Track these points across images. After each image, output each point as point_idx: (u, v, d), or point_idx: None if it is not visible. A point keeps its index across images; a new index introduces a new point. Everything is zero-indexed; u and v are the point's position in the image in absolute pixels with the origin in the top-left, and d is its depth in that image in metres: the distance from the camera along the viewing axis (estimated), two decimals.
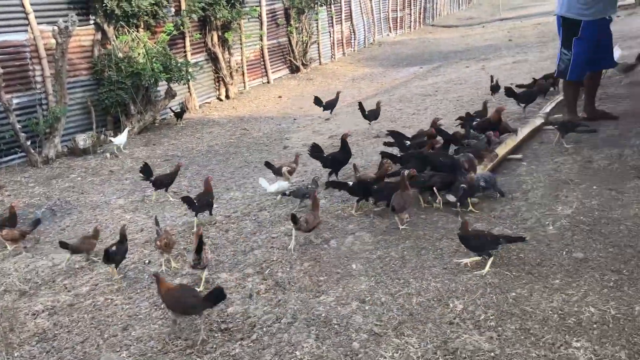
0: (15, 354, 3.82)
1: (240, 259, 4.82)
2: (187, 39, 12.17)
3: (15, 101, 8.63)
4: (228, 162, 8.26)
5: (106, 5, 9.72)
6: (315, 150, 6.53)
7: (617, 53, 7.08)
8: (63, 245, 4.96)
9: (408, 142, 6.46)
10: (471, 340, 3.28)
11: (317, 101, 10.01)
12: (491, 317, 3.46)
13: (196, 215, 5.66)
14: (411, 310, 3.66)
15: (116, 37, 10.16)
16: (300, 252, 4.75)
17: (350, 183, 5.59)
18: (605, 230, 4.31)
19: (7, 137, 8.66)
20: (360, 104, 8.74)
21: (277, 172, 6.39)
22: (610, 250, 4.02)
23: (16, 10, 8.92)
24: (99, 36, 10.16)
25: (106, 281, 4.70)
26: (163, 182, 6.60)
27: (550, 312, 3.43)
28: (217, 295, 3.67)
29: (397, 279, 4.07)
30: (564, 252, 4.08)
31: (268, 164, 6.54)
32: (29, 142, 8.70)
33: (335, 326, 3.61)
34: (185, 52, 12.17)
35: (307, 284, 4.20)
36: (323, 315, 3.76)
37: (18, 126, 8.45)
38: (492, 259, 4.01)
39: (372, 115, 8.66)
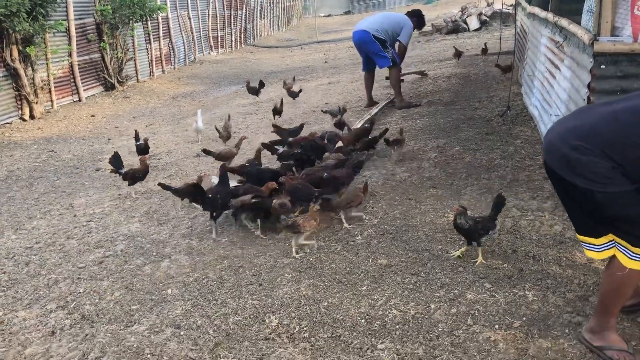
0: None
1: (42, 293, 4.39)
2: None
3: None
4: (32, 188, 7.52)
5: None
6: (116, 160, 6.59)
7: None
8: None
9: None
10: (286, 354, 3.34)
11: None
12: (305, 329, 3.56)
13: None
14: (227, 331, 3.62)
15: None
16: (111, 281, 4.47)
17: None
18: (406, 237, 4.69)
19: None
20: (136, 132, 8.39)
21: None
22: (410, 255, 4.37)
23: None
24: None
25: None
26: None
27: (358, 317, 3.63)
28: None
29: (215, 300, 4.02)
30: (370, 260, 4.35)
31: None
32: None
33: (148, 356, 3.44)
34: None
35: (118, 314, 3.96)
36: (135, 345, 3.56)
37: None
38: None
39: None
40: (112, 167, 6.63)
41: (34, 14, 11.61)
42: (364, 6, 52.76)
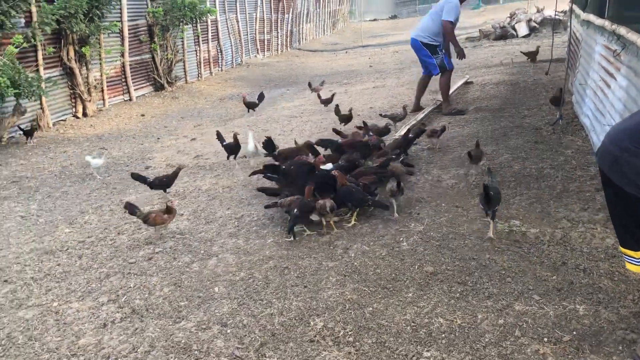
0: None
1: (94, 286, 4.54)
2: (40, 53, 11.35)
3: None
4: (84, 183, 7.78)
5: None
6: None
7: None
8: None
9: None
10: (331, 357, 3.35)
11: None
12: (349, 333, 3.57)
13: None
14: (273, 331, 3.66)
15: None
16: (161, 277, 4.59)
17: None
18: (453, 245, 4.64)
19: None
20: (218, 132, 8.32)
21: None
22: (457, 264, 4.33)
23: None
24: None
25: None
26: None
27: (403, 324, 3.61)
28: None
29: (260, 300, 4.07)
30: (416, 267, 4.33)
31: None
32: None
33: (196, 352, 3.51)
34: (37, 66, 11.33)
35: (167, 310, 4.06)
36: (183, 341, 3.64)
37: None
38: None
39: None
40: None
41: (91, 15, 12.03)
42: (410, 11, 52.52)
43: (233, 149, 7.67)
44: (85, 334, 3.84)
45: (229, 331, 3.70)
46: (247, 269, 4.58)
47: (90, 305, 4.24)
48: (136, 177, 6.63)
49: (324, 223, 5.10)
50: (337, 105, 9.69)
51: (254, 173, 6.57)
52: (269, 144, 7.25)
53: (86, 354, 3.61)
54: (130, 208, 5.46)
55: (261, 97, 12.68)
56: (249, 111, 12.51)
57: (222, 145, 7.81)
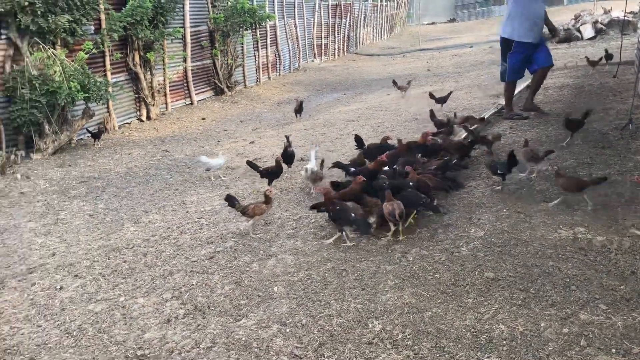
0: None
1: (159, 283, 4.70)
2: (107, 58, 11.85)
3: None
4: (148, 184, 8.06)
5: (20, 20, 9.32)
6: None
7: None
8: None
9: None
10: None
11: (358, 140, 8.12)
12: (408, 336, 3.55)
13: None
14: (331, 332, 3.69)
15: (30, 54, 9.74)
16: (222, 276, 4.70)
17: None
18: (515, 251, 4.54)
19: None
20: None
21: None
22: (518, 270, 4.23)
23: None
24: (11, 52, 9.70)
25: (12, 308, 4.44)
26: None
27: (463, 330, 3.57)
28: None
29: (319, 301, 4.10)
30: (477, 272, 4.26)
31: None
32: None
33: (256, 349, 3.58)
34: (105, 71, 11.83)
35: (228, 308, 4.15)
36: (243, 339, 3.72)
37: None
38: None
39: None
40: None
41: (155, 22, 12.46)
42: (469, 14, 51.64)
43: (289, 157, 7.64)
44: (150, 328, 3.98)
45: (288, 330, 3.76)
46: (306, 270, 4.63)
47: (155, 301, 4.39)
48: (251, 165, 7.16)
49: (392, 228, 5.03)
50: (431, 110, 9.38)
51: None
52: (359, 140, 7.56)
53: (151, 347, 3.74)
54: (230, 200, 5.66)
55: (299, 108, 12.57)
56: (297, 116, 12.61)
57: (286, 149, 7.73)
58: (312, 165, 6.72)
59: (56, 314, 4.31)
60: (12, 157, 9.31)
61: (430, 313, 3.78)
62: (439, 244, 4.85)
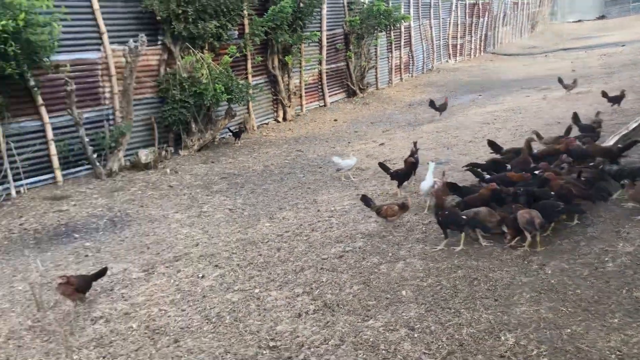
0: (74, 357, 3.98)
1: (291, 278, 4.88)
2: (249, 62, 12.49)
3: (84, 116, 9.07)
4: (282, 182, 8.39)
5: (174, 27, 10.14)
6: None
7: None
8: None
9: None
10: None
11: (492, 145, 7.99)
12: (544, 353, 3.37)
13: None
14: (461, 341, 3.60)
15: (181, 58, 10.56)
16: (350, 275, 4.77)
17: None
18: None
19: (75, 149, 9.08)
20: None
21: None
22: None
23: (91, 30, 9.42)
24: (165, 56, 10.58)
25: (161, 292, 4.85)
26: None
27: (607, 352, 3.31)
28: None
29: (448, 309, 4.03)
30: (624, 291, 3.93)
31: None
32: (95, 155, 9.10)
33: (383, 351, 3.60)
34: (246, 74, 12.48)
35: (356, 307, 4.21)
36: (371, 340, 3.75)
37: (86, 139, 8.88)
38: None
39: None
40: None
41: (294, 26, 12.91)
42: (621, 10, 47.51)
43: (414, 164, 7.53)
44: (282, 321, 4.15)
45: (416, 335, 3.73)
46: (435, 276, 4.56)
47: (287, 295, 4.56)
48: (382, 166, 7.29)
49: (528, 238, 4.79)
50: (574, 114, 8.81)
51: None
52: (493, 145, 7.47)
53: (283, 340, 3.90)
54: (365, 200, 5.93)
55: (444, 106, 12.65)
56: (440, 114, 12.47)
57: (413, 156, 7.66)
58: (429, 183, 6.10)
59: (198, 301, 4.64)
60: (163, 152, 10.16)
61: (569, 330, 3.56)
62: (581, 257, 4.54)
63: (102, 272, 4.91)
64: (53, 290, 4.77)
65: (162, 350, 3.94)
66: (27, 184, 8.43)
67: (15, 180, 8.24)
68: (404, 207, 5.53)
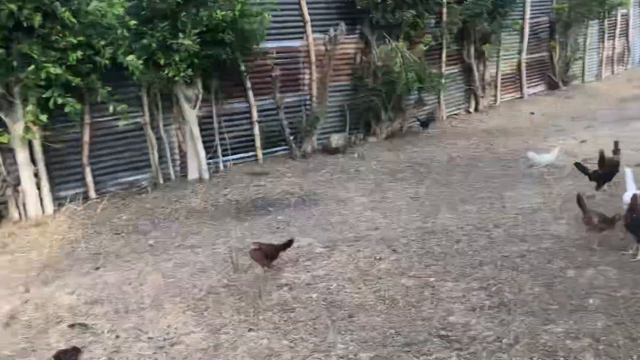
0: (260, 317, 4.39)
1: (468, 271, 4.80)
2: (444, 51, 12.33)
3: (285, 100, 9.78)
4: (468, 174, 8.20)
5: (372, 17, 10.40)
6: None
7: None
8: None
9: None
10: None
11: None
12: None
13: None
14: None
15: (377, 47, 10.81)
16: (532, 276, 4.55)
17: None
18: None
19: (275, 131, 9.87)
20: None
21: None
22: None
23: (296, 19, 10.09)
24: (361, 45, 10.92)
25: (340, 268, 5.10)
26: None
27: None
28: None
29: None
30: None
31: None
32: (292, 137, 9.80)
33: (561, 358, 3.40)
34: (440, 63, 12.35)
35: (535, 310, 4.02)
36: (549, 344, 3.56)
37: (285, 122, 9.60)
38: None
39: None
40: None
41: (494, 14, 12.42)
42: None
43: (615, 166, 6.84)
44: (455, 312, 4.13)
45: (600, 347, 3.45)
46: (631, 287, 4.16)
47: (463, 287, 4.51)
48: (579, 167, 6.77)
49: None
50: None
51: None
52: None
53: (454, 330, 3.88)
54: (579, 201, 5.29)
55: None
56: None
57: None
58: (630, 193, 5.29)
59: (373, 281, 4.79)
60: (353, 138, 10.56)
61: None
62: None
63: (289, 243, 5.30)
64: (247, 256, 5.28)
65: (337, 322, 4.17)
66: (232, 159, 9.40)
67: (223, 156, 9.25)
68: (610, 221, 4.92)
